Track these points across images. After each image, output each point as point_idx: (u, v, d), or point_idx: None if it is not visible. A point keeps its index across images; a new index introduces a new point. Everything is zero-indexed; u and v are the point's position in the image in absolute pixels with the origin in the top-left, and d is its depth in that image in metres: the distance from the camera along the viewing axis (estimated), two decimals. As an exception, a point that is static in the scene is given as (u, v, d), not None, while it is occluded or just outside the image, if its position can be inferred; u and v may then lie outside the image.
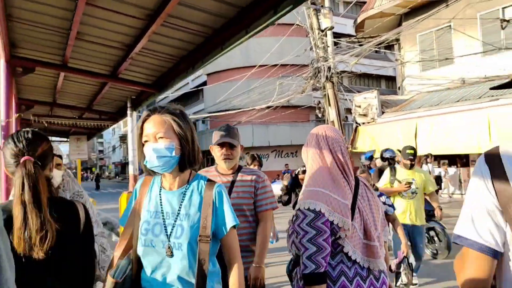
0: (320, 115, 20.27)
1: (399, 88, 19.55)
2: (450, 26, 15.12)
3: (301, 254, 1.87)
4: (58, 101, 8.00)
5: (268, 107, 24.75)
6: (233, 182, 2.87)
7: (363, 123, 17.41)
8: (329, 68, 17.49)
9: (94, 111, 8.17)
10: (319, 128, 2.28)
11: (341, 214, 1.90)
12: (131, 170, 7.18)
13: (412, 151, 5.33)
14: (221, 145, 3.09)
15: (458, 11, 14.22)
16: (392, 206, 4.26)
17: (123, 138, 56.93)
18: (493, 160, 1.22)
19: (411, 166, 5.40)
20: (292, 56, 23.92)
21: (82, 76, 5.62)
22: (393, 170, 5.57)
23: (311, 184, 2.01)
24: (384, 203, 4.12)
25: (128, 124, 7.14)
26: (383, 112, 16.24)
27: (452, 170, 15.22)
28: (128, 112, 7.08)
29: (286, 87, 23.15)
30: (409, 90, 17.21)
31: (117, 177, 68.70)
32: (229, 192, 2.76)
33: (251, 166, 6.22)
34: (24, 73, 4.81)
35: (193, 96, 40.84)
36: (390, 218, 4.10)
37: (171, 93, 44.56)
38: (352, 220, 1.94)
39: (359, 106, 17.24)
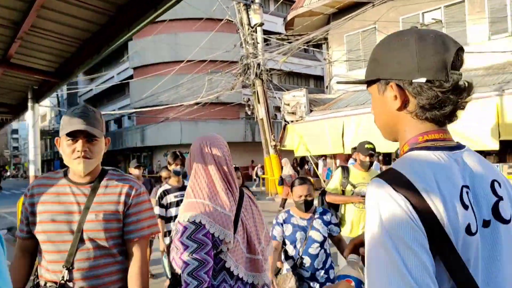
0: (249, 113, 19.99)
1: (327, 87, 19.84)
2: (375, 27, 15.51)
3: (182, 271, 1.72)
4: None
5: (197, 104, 24.10)
6: (91, 194, 1.85)
7: (292, 121, 17.38)
8: (258, 65, 17.25)
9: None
10: (203, 139, 2.17)
11: (222, 226, 1.80)
12: (31, 170, 6.27)
13: (371, 146, 4.36)
14: (73, 135, 1.84)
15: (382, 13, 14.60)
16: (338, 225, 3.33)
17: (43, 134, 52.86)
18: (406, 187, 0.89)
19: (370, 166, 4.45)
20: (222, 52, 23.50)
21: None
22: (346, 171, 4.54)
23: (192, 196, 1.90)
24: (330, 222, 3.31)
25: (29, 117, 6.22)
26: (311, 111, 16.30)
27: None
28: (29, 104, 6.16)
29: (215, 83, 22.63)
30: (337, 89, 17.47)
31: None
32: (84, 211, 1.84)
33: (173, 166, 5.61)
34: None
35: (119, 90, 38.82)
36: (334, 239, 3.32)
37: (94, 87, 42.15)
38: (235, 232, 1.86)
39: (288, 104, 17.16)
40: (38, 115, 6.12)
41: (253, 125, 31.99)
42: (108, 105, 38.98)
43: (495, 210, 0.94)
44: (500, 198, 0.96)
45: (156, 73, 29.81)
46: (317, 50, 21.01)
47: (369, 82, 1.11)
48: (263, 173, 21.07)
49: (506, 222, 0.94)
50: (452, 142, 1.01)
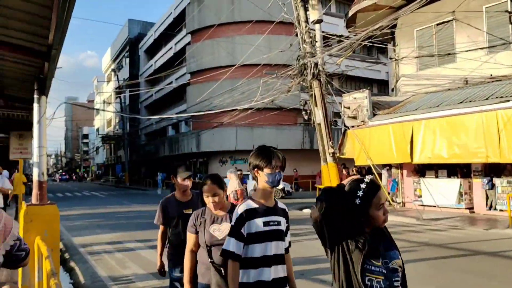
0: (306, 117, 18.51)
1: (392, 89, 17.90)
2: (452, 19, 13.50)
3: None
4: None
5: (252, 108, 23.03)
6: None
7: (352, 126, 15.71)
8: (316, 64, 15.78)
9: (7, 97, 6.35)
10: None
11: None
12: (35, 174, 5.33)
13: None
14: None
15: (461, 2, 12.61)
16: None
17: (105, 139, 54.71)
18: None
19: None
20: (278, 52, 22.31)
21: None
22: None
23: None
24: None
25: (35, 112, 5.29)
26: (374, 114, 14.55)
27: (452, 180, 13.49)
28: (35, 96, 5.25)
29: (271, 85, 21.40)
30: (404, 91, 15.55)
31: (101, 179, 66.47)
32: None
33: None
34: None
35: (177, 96, 38.94)
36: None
37: (154, 92, 42.73)
38: None
39: (348, 108, 15.54)
40: (45, 109, 5.14)
41: (312, 131, 30.35)
42: (167, 111, 39.18)
43: None
44: None
45: (212, 78, 29.30)
46: (382, 45, 19.02)
47: None
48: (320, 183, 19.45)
49: None
50: None
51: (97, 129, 71.72)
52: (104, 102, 59.88)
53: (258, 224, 2.37)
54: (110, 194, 30.57)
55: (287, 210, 2.61)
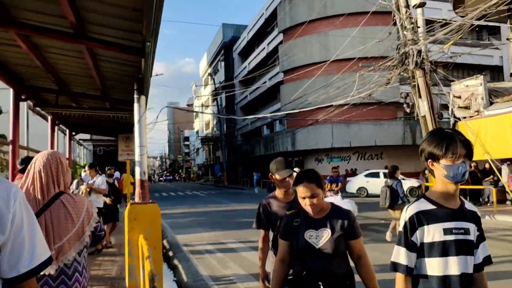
0: (408, 110, 17.20)
1: (511, 74, 15.84)
2: None
3: None
4: (72, 89, 6.58)
5: (348, 104, 22.13)
6: None
7: (464, 118, 14.16)
8: (419, 52, 14.53)
9: (111, 100, 6.62)
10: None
11: None
12: (137, 173, 5.39)
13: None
14: None
15: None
16: None
17: (204, 140, 57.14)
18: None
19: None
20: (374, 45, 21.11)
21: (44, 37, 3.95)
22: None
23: None
24: None
25: (135, 112, 5.35)
26: (491, 103, 12.93)
27: None
28: (135, 96, 5.31)
29: (367, 79, 20.32)
30: (526, 75, 13.61)
31: (200, 179, 69.76)
32: None
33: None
34: None
35: (271, 95, 39.16)
36: None
37: (249, 93, 43.52)
38: None
39: (459, 97, 14.04)
40: (144, 109, 5.17)
41: (413, 126, 28.37)
42: (261, 111, 39.63)
43: None
44: None
45: (305, 75, 28.83)
46: (498, 23, 16.93)
47: None
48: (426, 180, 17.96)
49: None
50: None
51: (197, 132, 75.40)
52: (202, 105, 62.66)
53: (435, 231, 1.81)
54: (210, 193, 31.68)
55: (478, 213, 1.93)
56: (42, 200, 2.17)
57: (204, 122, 67.00)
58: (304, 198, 2.38)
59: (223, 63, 51.32)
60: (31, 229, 1.24)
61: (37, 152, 8.73)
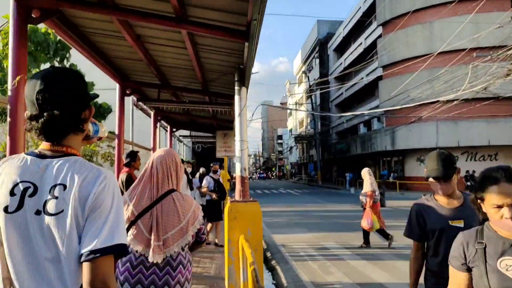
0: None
1: None
2: None
3: None
4: (173, 83, 6.60)
5: (457, 99, 20.16)
6: None
7: None
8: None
9: (211, 93, 6.49)
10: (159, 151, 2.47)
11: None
12: (238, 170, 5.14)
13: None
14: None
15: None
16: None
17: (298, 139, 56.82)
18: None
19: None
20: (488, 34, 18.99)
21: (143, 21, 3.83)
22: None
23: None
24: None
25: (236, 104, 5.11)
26: None
27: None
28: (236, 88, 5.07)
29: (481, 71, 18.29)
30: None
31: (293, 177, 69.71)
32: None
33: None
34: (42, 18, 3.25)
35: (368, 92, 37.51)
36: None
37: (344, 90, 42.21)
38: (139, 220, 2.27)
39: None
40: (245, 101, 4.90)
41: (536, 123, 25.10)
42: (358, 108, 38.18)
43: (44, 205, 1.23)
44: (55, 198, 1.23)
45: (406, 69, 26.98)
46: None
47: None
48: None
49: (51, 214, 1.22)
50: (52, 153, 1.31)
51: (290, 130, 75.44)
52: (296, 103, 62.44)
53: None
54: (304, 192, 31.27)
55: None
56: (156, 194, 2.30)
57: (297, 120, 66.76)
58: (501, 206, 1.57)
59: (317, 60, 50.52)
60: (116, 215, 1.27)
61: (141, 147, 9.11)
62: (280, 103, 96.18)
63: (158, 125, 9.80)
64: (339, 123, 44.91)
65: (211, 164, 9.10)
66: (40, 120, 1.25)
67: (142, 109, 8.03)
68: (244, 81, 5.01)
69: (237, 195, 5.09)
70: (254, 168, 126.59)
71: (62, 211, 1.21)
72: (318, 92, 46.17)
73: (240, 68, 5.03)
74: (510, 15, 23.03)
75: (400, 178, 29.67)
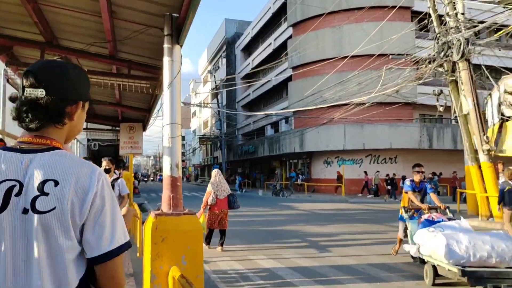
0: (441, 109, 15.36)
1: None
2: None
3: None
4: (61, 42, 4.62)
5: (365, 103, 20.37)
6: None
7: (513, 117, 12.40)
8: (467, 40, 12.73)
9: (121, 62, 4.66)
10: None
11: None
12: (166, 167, 3.47)
13: None
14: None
15: None
16: None
17: (203, 139, 55.04)
18: None
19: None
20: (392, 43, 19.50)
21: None
22: None
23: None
24: None
25: (165, 70, 3.44)
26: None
27: None
28: (165, 46, 3.39)
29: (392, 75, 18.55)
30: None
31: (197, 180, 67.67)
32: None
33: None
34: None
35: (276, 93, 37.28)
36: None
37: (252, 91, 41.62)
38: None
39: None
40: (179, 66, 3.19)
41: (430, 128, 26.67)
42: (265, 109, 37.74)
43: (33, 203, 1.14)
44: (45, 194, 1.15)
45: (316, 71, 27.00)
46: None
47: None
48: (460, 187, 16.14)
49: (39, 212, 1.14)
50: (34, 146, 1.22)
51: (194, 131, 73.29)
52: (200, 103, 60.70)
53: None
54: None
55: None
56: None
57: (202, 121, 64.96)
58: None
59: (224, 60, 49.40)
60: (113, 213, 1.24)
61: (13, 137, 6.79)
62: (183, 103, 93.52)
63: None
64: (245, 125, 44.23)
65: (102, 160, 6.36)
66: (23, 106, 1.21)
67: (10, 80, 5.61)
68: (179, 35, 3.36)
69: (165, 205, 3.40)
70: (154, 170, 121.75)
71: (54, 208, 1.15)
72: (224, 91, 45.08)
73: (172, 17, 3.37)
74: (410, 26, 24.03)
75: (307, 180, 29.67)
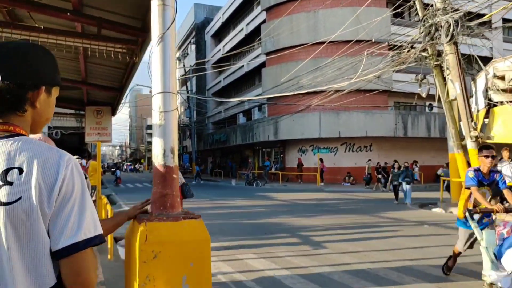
0: (424, 95, 14.91)
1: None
2: None
3: None
4: None
5: (343, 90, 19.79)
6: None
7: (501, 103, 12.03)
8: (456, 22, 12.19)
9: (89, 18, 3.59)
10: None
11: None
12: (158, 154, 2.48)
13: None
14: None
15: None
16: None
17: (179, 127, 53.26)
18: None
19: None
20: (368, 30, 19.06)
21: None
22: None
23: None
24: None
25: (153, 21, 2.47)
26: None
27: None
28: (153, 6, 2.41)
29: (372, 60, 17.99)
30: None
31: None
32: None
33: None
34: None
35: (249, 80, 36.30)
36: None
37: (222, 78, 40.43)
38: None
39: (501, 78, 11.82)
40: (173, 12, 2.19)
41: (405, 116, 26.49)
42: (237, 97, 36.72)
43: None
44: (9, 183, 1.05)
45: (291, 58, 26.21)
46: None
47: None
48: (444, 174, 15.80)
49: (3, 204, 1.04)
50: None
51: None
52: (169, 91, 58.77)
53: None
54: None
55: None
56: None
57: (170, 109, 63.14)
58: None
59: (194, 46, 47.84)
60: (82, 201, 1.12)
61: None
62: (150, 91, 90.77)
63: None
64: (216, 113, 43.06)
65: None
66: None
67: None
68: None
69: (156, 206, 2.46)
70: (120, 160, 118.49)
71: (20, 198, 1.06)
72: (193, 78, 43.68)
73: None
74: (387, 12, 23.50)
75: (281, 169, 29.01)
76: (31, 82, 1.15)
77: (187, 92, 43.58)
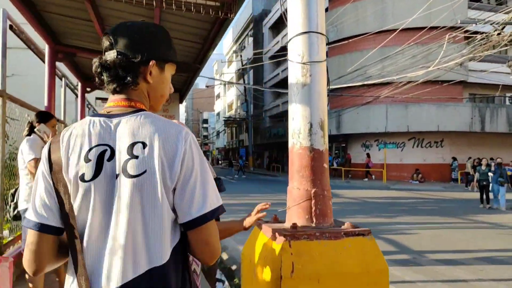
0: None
1: None
2: None
3: None
4: None
5: (409, 82, 18.22)
6: None
7: None
8: None
9: None
10: None
11: None
12: (299, 133, 1.61)
13: None
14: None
15: None
16: None
17: (228, 123, 53.27)
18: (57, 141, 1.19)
19: None
20: (442, 16, 17.23)
21: None
22: None
23: None
24: None
25: None
26: None
27: None
28: None
29: (435, 55, 16.30)
30: None
31: (219, 163, 66.37)
32: None
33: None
34: None
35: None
36: None
37: (281, 71, 39.49)
38: None
39: None
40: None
41: (483, 109, 24.13)
42: (295, 90, 35.66)
43: (124, 167, 1.09)
44: (135, 157, 1.09)
45: (355, 47, 24.74)
46: None
47: None
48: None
49: (131, 176, 1.08)
50: (119, 109, 1.17)
51: (217, 114, 71.68)
52: (225, 84, 58.79)
53: None
54: (241, 179, 28.11)
55: None
56: None
57: (226, 103, 63.13)
58: None
59: (251, 39, 47.20)
60: (203, 174, 1.15)
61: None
62: (206, 86, 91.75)
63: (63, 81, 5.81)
64: (273, 106, 42.20)
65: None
66: (97, 68, 1.18)
67: (15, 28, 3.96)
68: None
69: (297, 213, 1.55)
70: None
71: (145, 171, 1.09)
72: (251, 72, 43.11)
73: None
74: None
75: (343, 164, 27.64)
76: (142, 57, 1.17)
77: (244, 86, 43.12)
